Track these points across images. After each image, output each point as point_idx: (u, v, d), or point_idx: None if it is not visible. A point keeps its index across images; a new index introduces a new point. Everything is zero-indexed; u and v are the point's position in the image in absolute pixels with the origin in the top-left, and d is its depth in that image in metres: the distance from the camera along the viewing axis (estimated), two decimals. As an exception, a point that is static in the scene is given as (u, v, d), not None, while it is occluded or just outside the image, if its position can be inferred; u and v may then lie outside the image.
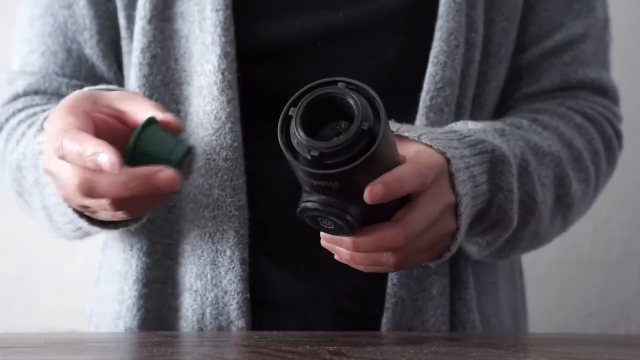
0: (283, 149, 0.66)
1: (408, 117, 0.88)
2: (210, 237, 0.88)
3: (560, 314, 1.49)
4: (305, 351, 0.63)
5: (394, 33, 0.91)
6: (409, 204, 0.73)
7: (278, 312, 0.91)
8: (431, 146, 0.76)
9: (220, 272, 0.88)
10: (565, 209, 0.92)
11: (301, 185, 0.68)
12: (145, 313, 0.91)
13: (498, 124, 0.87)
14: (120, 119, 0.76)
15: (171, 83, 0.90)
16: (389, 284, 0.89)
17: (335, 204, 0.67)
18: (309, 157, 0.64)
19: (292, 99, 0.66)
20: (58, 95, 0.94)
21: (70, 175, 0.72)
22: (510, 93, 0.98)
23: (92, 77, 0.95)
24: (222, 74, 0.87)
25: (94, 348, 0.71)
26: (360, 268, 0.75)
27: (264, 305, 0.90)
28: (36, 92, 0.95)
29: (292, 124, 0.65)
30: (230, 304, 0.88)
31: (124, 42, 0.93)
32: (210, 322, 0.89)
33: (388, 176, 0.68)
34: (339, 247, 0.73)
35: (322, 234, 0.73)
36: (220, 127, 0.87)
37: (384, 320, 0.89)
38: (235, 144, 0.87)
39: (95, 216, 0.79)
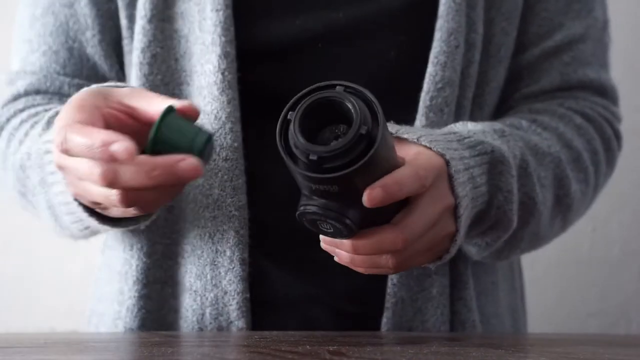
0: (282, 152, 0.66)
1: (408, 117, 0.88)
2: (210, 238, 0.88)
3: (560, 314, 1.49)
4: (305, 351, 0.63)
5: (394, 33, 0.91)
6: (408, 206, 0.73)
7: (278, 312, 0.92)
8: (430, 148, 0.76)
9: (220, 273, 0.88)
10: (565, 210, 0.92)
11: (300, 188, 0.68)
12: (145, 313, 0.91)
13: (498, 125, 0.87)
14: (131, 114, 0.74)
15: (171, 83, 0.90)
16: (389, 284, 0.89)
17: (334, 207, 0.67)
18: (308, 161, 0.64)
19: (290, 102, 0.66)
20: (60, 94, 0.94)
21: (90, 166, 0.70)
22: (510, 93, 0.98)
23: (93, 76, 0.95)
24: (222, 74, 0.87)
25: (94, 348, 0.71)
26: (360, 270, 0.75)
27: (264, 306, 0.90)
28: (37, 92, 0.94)
29: (291, 127, 0.65)
30: (230, 304, 0.88)
31: (125, 42, 0.93)
32: (210, 323, 0.89)
33: (387, 179, 0.68)
34: (338, 249, 0.73)
35: (321, 236, 0.73)
36: (220, 127, 0.87)
37: (384, 320, 0.89)
38: (236, 144, 0.88)
39: (106, 213, 0.78)
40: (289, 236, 0.90)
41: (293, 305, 0.92)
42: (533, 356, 0.66)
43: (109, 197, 0.71)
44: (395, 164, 0.70)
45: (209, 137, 0.71)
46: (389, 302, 0.89)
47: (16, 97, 0.95)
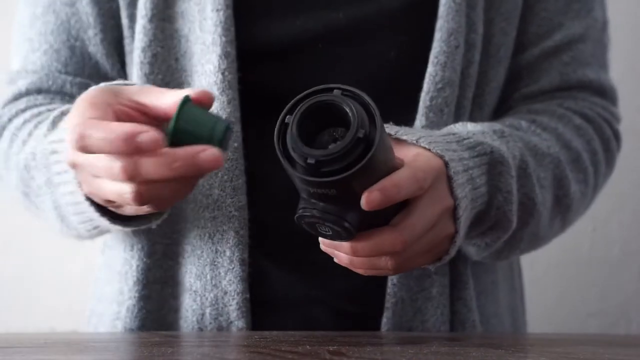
0: (280, 156, 0.66)
1: (408, 117, 0.89)
2: (210, 238, 0.88)
3: (560, 314, 1.49)
4: (305, 351, 0.63)
5: (394, 33, 0.91)
6: (407, 208, 0.73)
7: (278, 312, 0.92)
8: (429, 149, 0.76)
9: (219, 273, 0.88)
10: (564, 210, 0.92)
11: (299, 192, 0.69)
12: (145, 314, 0.91)
13: (497, 126, 0.87)
14: (142, 111, 0.73)
15: (172, 82, 0.90)
16: (389, 284, 0.89)
17: (332, 210, 0.67)
18: (306, 165, 0.64)
19: (287, 106, 0.66)
20: (62, 93, 0.94)
21: (109, 160, 0.69)
22: (509, 93, 0.98)
23: (95, 74, 0.94)
24: (223, 74, 0.87)
25: (94, 348, 0.71)
26: (360, 272, 0.75)
27: (264, 306, 0.90)
28: (39, 91, 0.94)
29: (289, 131, 0.65)
30: (230, 305, 0.88)
31: (126, 42, 0.93)
32: (210, 323, 0.89)
33: (385, 182, 0.68)
34: (337, 251, 0.73)
35: (320, 239, 0.73)
36: (221, 127, 0.87)
37: (384, 320, 0.89)
38: (235, 144, 0.88)
39: (119, 211, 0.78)
40: (289, 236, 0.90)
41: (293, 305, 0.92)
42: (533, 356, 0.66)
43: (123, 195, 0.70)
44: (393, 166, 0.70)
45: (228, 126, 0.69)
46: (388, 302, 0.89)
47: (17, 97, 0.94)
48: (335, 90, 0.66)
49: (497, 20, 0.94)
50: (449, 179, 0.76)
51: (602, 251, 1.49)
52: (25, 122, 0.90)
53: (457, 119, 0.91)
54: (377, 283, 0.89)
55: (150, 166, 0.67)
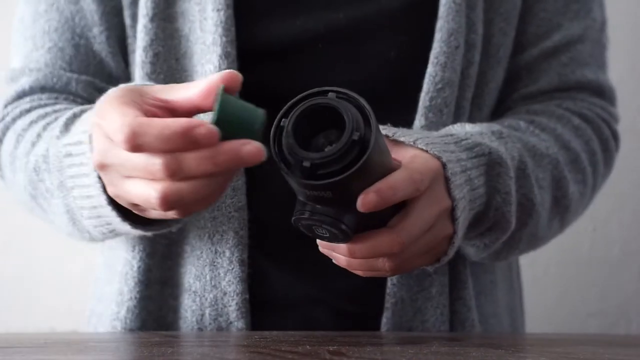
0: (276, 160, 0.66)
1: (408, 117, 0.89)
2: (209, 238, 0.88)
3: (560, 314, 1.49)
4: (305, 351, 0.63)
5: (394, 33, 0.91)
6: (404, 209, 0.73)
7: (278, 312, 0.92)
8: (427, 151, 0.76)
9: (219, 273, 0.88)
10: (563, 211, 0.92)
11: (296, 194, 0.69)
12: (145, 314, 0.91)
13: (495, 126, 0.87)
14: (169, 108, 0.70)
15: (172, 82, 0.90)
16: (389, 284, 0.89)
17: (329, 213, 0.67)
18: (301, 168, 0.65)
19: (283, 109, 0.66)
20: (67, 92, 0.93)
21: (149, 157, 0.66)
22: (508, 94, 0.98)
23: (100, 72, 0.94)
24: (223, 74, 0.87)
25: (94, 348, 0.71)
26: (359, 273, 0.76)
27: (263, 306, 0.90)
28: (43, 89, 0.93)
29: (284, 135, 0.65)
30: (230, 305, 0.88)
31: (129, 41, 0.93)
32: (210, 323, 0.89)
33: (381, 184, 0.68)
34: (335, 253, 0.73)
35: (318, 240, 0.73)
36: (221, 128, 0.87)
37: (384, 320, 0.89)
38: (235, 144, 0.87)
39: (144, 214, 0.75)
40: (288, 236, 0.90)
41: (293, 305, 0.92)
42: (533, 356, 0.66)
43: (149, 200, 0.68)
44: (390, 168, 0.70)
45: (264, 116, 0.67)
46: (388, 302, 0.89)
47: (20, 95, 0.93)
48: (330, 93, 0.66)
49: (496, 20, 0.94)
50: (447, 180, 0.76)
51: (602, 251, 1.49)
52: (32, 122, 0.89)
53: (456, 119, 0.91)
54: (377, 283, 0.89)
55: (192, 161, 0.65)
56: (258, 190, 0.89)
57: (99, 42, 0.93)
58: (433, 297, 0.90)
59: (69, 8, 0.93)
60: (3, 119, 0.92)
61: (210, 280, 0.88)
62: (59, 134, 0.82)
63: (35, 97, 0.93)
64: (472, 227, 0.83)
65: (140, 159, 0.66)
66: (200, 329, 0.89)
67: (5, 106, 0.94)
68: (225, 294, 0.88)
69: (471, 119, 0.93)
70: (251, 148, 0.65)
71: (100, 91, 0.93)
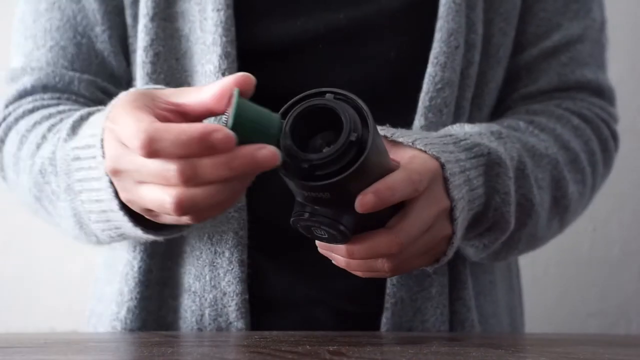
0: None
1: (407, 117, 0.89)
2: (209, 239, 0.88)
3: (560, 314, 1.49)
4: (305, 351, 0.63)
5: (394, 34, 0.91)
6: (403, 210, 0.73)
7: (278, 312, 0.92)
8: (425, 151, 0.76)
9: (219, 274, 0.88)
10: (562, 211, 0.92)
11: (294, 195, 0.69)
12: (145, 315, 0.91)
13: (495, 127, 0.87)
14: (181, 112, 0.69)
15: (172, 83, 0.90)
16: (389, 284, 0.89)
17: (327, 214, 0.67)
18: (299, 169, 0.65)
19: (280, 111, 0.66)
20: (69, 91, 0.92)
21: (163, 163, 0.65)
22: (508, 93, 0.98)
23: (102, 71, 0.94)
24: (223, 74, 0.87)
25: (94, 348, 0.71)
26: (358, 274, 0.76)
27: (263, 306, 0.90)
28: (45, 88, 0.92)
29: (282, 136, 0.65)
30: (229, 305, 0.88)
31: (130, 41, 0.93)
32: (210, 324, 0.89)
33: (379, 185, 0.68)
34: (334, 254, 0.73)
35: (317, 241, 0.73)
36: (221, 128, 0.87)
37: (384, 320, 0.89)
38: (235, 144, 0.87)
39: (158, 220, 0.74)
40: (288, 237, 0.90)
41: (293, 305, 0.92)
42: (533, 356, 0.66)
43: (164, 205, 0.67)
44: (388, 169, 0.70)
45: (279, 121, 0.66)
46: (388, 302, 0.89)
47: (22, 95, 0.93)
48: (327, 94, 0.66)
49: (496, 20, 0.94)
50: (445, 181, 0.76)
51: (602, 251, 1.49)
52: (36, 124, 0.88)
53: (456, 119, 0.91)
54: (377, 283, 0.89)
55: (208, 167, 0.64)
56: (258, 191, 0.89)
57: (101, 41, 0.93)
58: (433, 297, 0.90)
59: (70, 7, 0.93)
60: (5, 119, 0.92)
61: (210, 280, 0.88)
62: (66, 136, 0.81)
63: (38, 96, 0.92)
64: (471, 228, 0.83)
65: (155, 164, 0.65)
66: (200, 329, 0.89)
67: (7, 106, 0.93)
68: (224, 294, 0.88)
69: (471, 119, 0.93)
70: (267, 152, 0.64)
71: (102, 90, 0.93)
